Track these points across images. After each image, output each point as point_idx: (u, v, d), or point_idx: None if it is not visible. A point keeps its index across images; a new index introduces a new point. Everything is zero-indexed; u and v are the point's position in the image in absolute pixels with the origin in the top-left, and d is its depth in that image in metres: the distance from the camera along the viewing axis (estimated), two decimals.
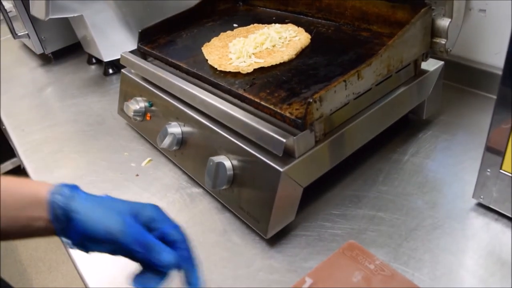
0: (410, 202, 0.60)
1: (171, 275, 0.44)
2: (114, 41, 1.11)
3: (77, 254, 0.62)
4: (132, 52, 0.87)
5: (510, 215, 0.54)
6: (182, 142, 0.70)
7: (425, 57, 0.67)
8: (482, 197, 0.56)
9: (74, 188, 0.45)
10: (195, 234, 0.60)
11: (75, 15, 1.06)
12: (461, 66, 0.82)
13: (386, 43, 0.59)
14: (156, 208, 0.46)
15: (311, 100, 0.51)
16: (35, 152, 0.90)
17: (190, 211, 0.66)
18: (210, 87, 0.67)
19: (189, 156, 0.70)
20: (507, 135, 0.49)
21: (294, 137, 0.53)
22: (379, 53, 0.57)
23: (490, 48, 0.78)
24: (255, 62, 0.68)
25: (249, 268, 0.55)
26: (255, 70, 0.66)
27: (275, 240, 0.58)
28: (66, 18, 1.15)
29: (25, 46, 1.54)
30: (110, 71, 1.20)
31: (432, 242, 0.54)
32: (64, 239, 0.43)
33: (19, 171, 0.73)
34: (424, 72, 0.68)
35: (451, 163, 0.66)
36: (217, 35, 0.81)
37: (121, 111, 0.89)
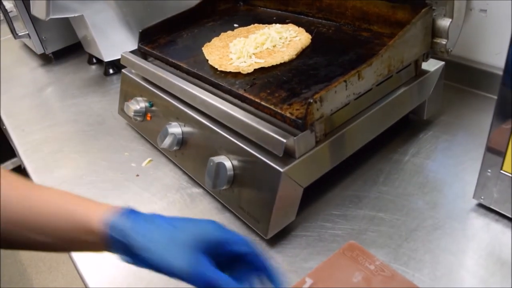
0: (411, 202, 0.60)
1: None
2: (115, 41, 1.11)
3: (77, 254, 0.62)
4: (132, 52, 0.87)
5: (510, 216, 0.54)
6: (182, 142, 0.70)
7: (425, 57, 0.67)
8: (482, 197, 0.56)
9: (131, 216, 0.41)
10: None
11: (76, 15, 1.06)
12: (461, 66, 0.82)
13: (387, 43, 0.59)
14: (218, 228, 0.42)
15: (311, 100, 0.51)
16: (35, 152, 0.90)
17: (191, 211, 0.66)
18: (210, 87, 0.67)
19: (189, 156, 0.70)
20: (507, 136, 0.49)
21: (295, 138, 0.53)
22: (379, 53, 0.57)
23: (491, 48, 0.78)
24: (255, 62, 0.68)
25: None
26: (255, 70, 0.66)
27: (275, 241, 0.58)
28: (67, 18, 1.15)
29: (25, 46, 1.54)
30: (111, 71, 1.20)
31: (432, 242, 0.54)
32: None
33: (20, 171, 0.73)
34: (425, 72, 0.68)
35: (452, 164, 0.66)
36: (217, 35, 0.81)
37: (122, 111, 0.89)
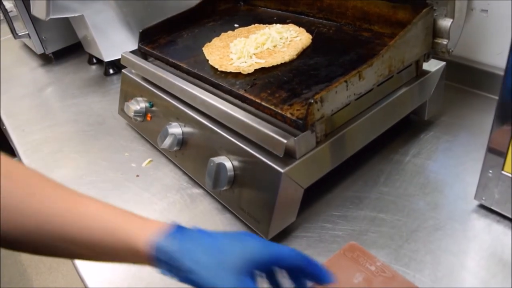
0: (412, 203, 0.60)
1: None
2: (115, 41, 1.11)
3: None
4: (132, 52, 0.87)
5: (511, 217, 0.54)
6: (182, 142, 0.70)
7: (426, 58, 0.67)
8: (484, 198, 0.55)
9: (177, 236, 0.40)
10: None
11: (76, 15, 1.06)
12: (463, 67, 0.81)
13: (388, 43, 0.59)
14: (267, 246, 0.41)
15: (312, 101, 0.51)
16: (35, 152, 0.90)
17: (191, 211, 0.66)
18: (211, 88, 0.67)
19: (189, 156, 0.70)
20: (509, 136, 0.49)
21: (295, 138, 0.53)
22: (380, 53, 0.57)
23: (492, 49, 0.78)
24: (256, 62, 0.68)
25: None
26: (256, 70, 0.66)
27: (276, 241, 0.57)
28: (67, 18, 1.15)
29: (25, 46, 1.54)
30: (111, 71, 1.20)
31: (433, 243, 0.53)
32: None
33: None
34: (426, 72, 0.68)
35: (453, 164, 0.66)
36: (218, 35, 0.81)
37: (122, 111, 0.89)
